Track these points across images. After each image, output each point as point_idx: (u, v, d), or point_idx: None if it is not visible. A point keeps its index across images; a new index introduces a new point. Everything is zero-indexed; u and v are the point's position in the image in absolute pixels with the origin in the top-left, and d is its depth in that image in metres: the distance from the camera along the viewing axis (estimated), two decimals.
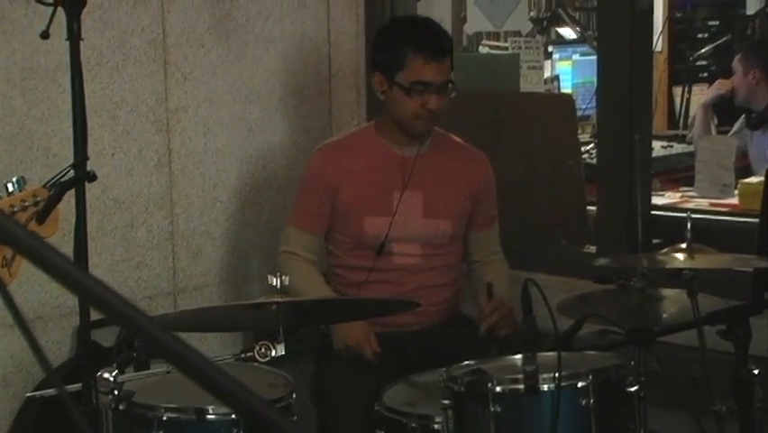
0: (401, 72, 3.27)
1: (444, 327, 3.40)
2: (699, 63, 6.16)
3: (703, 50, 6.18)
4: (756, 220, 3.09)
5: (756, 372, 2.63)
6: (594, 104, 4.56)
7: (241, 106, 4.06)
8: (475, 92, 4.30)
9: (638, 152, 3.68)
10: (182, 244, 3.93)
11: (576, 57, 5.61)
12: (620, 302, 2.98)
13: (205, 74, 3.95)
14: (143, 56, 3.79)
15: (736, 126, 5.24)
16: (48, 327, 3.62)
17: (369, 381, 3.08)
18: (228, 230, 4.05)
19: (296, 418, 2.76)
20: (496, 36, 5.27)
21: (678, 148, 5.55)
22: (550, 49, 5.48)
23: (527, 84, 4.47)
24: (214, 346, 3.90)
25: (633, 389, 2.57)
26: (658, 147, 5.31)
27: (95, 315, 2.60)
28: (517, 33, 4.76)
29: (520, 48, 4.54)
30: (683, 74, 6.17)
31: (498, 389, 2.49)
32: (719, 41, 6.25)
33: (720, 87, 5.39)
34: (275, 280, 2.55)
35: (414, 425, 2.79)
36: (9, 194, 2.24)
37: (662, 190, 4.69)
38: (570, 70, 5.56)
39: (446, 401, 2.56)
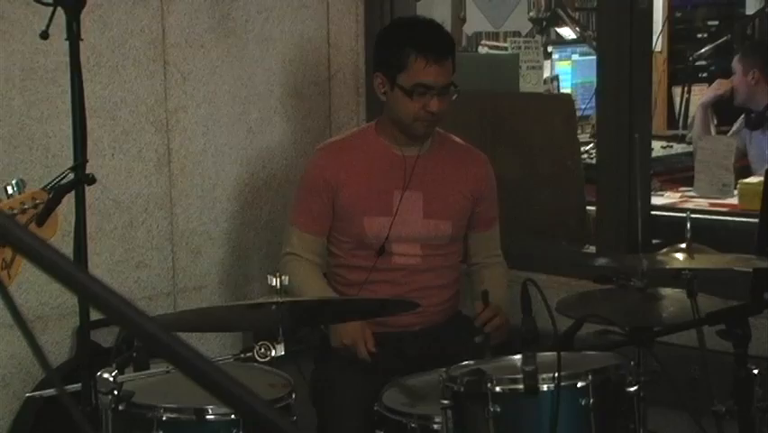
0: (403, 74, 3.26)
1: (444, 327, 3.40)
2: (698, 63, 6.15)
3: (703, 50, 6.17)
4: (756, 220, 3.09)
5: (756, 372, 2.63)
6: (593, 104, 4.57)
7: (240, 107, 4.06)
8: (475, 92, 4.29)
9: (638, 152, 3.68)
10: (182, 244, 3.93)
11: (575, 57, 5.60)
12: (620, 302, 2.97)
13: (204, 74, 3.95)
14: (143, 56, 3.79)
15: (736, 126, 5.24)
16: (48, 327, 3.61)
17: (369, 381, 3.07)
18: (228, 230, 4.05)
19: (295, 418, 2.76)
20: (495, 36, 5.27)
21: (677, 148, 5.55)
22: (549, 49, 5.47)
23: (527, 84, 4.47)
24: (213, 346, 3.90)
25: (632, 389, 2.57)
26: (658, 147, 5.31)
27: (94, 315, 2.61)
28: (517, 33, 4.77)
29: (520, 48, 4.54)
30: (683, 74, 6.17)
31: (497, 389, 2.48)
32: (719, 41, 6.24)
33: (720, 87, 5.39)
34: (275, 280, 2.55)
35: (413, 425, 2.79)
36: (8, 196, 2.23)
37: (662, 190, 4.70)
38: (569, 70, 5.55)
39: (446, 401, 2.56)
